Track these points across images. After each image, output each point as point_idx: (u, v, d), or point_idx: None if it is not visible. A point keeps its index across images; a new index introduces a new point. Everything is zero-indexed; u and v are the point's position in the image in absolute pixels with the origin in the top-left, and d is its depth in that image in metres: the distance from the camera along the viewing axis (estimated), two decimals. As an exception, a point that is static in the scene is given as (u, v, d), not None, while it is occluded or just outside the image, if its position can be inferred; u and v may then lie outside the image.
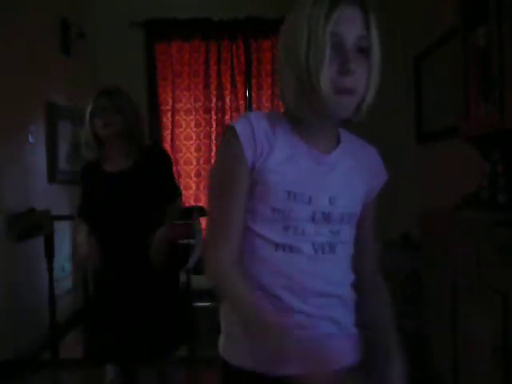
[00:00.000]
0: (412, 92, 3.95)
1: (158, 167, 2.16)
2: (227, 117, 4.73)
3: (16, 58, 3.31)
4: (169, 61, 4.72)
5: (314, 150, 1.03)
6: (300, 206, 0.99)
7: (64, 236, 3.91)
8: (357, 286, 1.10)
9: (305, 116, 1.00)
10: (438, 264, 2.32)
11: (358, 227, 1.09)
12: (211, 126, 4.73)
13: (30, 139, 3.54)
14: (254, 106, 4.75)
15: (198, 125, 4.76)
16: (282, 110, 1.07)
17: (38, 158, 3.67)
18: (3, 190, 3.15)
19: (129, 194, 2.07)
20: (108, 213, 2.09)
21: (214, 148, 4.72)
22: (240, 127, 0.99)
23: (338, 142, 1.08)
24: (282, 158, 1.00)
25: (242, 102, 4.74)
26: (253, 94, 4.74)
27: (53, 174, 3.83)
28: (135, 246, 2.06)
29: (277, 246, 1.00)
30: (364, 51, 0.97)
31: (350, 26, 0.95)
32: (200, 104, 4.74)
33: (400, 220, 4.00)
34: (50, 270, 3.31)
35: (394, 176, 3.78)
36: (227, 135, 1.00)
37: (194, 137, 4.77)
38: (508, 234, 1.71)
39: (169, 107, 4.73)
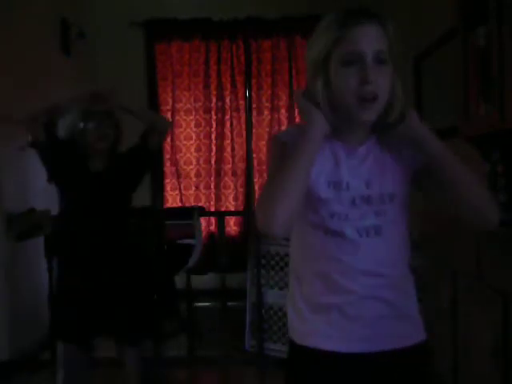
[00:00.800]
0: (412, 92, 3.95)
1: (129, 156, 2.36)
2: (227, 117, 4.73)
3: (16, 57, 3.31)
4: (169, 61, 4.72)
5: (347, 144, 1.14)
6: (340, 193, 1.11)
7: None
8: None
9: (337, 121, 1.11)
10: (437, 264, 2.32)
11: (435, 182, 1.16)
12: (211, 126, 4.73)
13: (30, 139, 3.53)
14: (254, 105, 4.75)
15: (197, 125, 4.76)
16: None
17: (38, 158, 3.67)
18: (3, 190, 3.15)
19: (111, 191, 2.25)
20: (93, 203, 2.23)
21: (213, 148, 4.72)
22: (284, 137, 1.16)
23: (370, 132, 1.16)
24: (321, 154, 1.11)
25: (242, 102, 4.74)
26: (253, 94, 4.74)
27: (53, 174, 3.83)
28: (112, 227, 2.22)
29: (325, 231, 1.12)
30: (383, 62, 1.06)
31: (368, 41, 1.05)
32: (200, 104, 4.74)
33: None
34: (50, 269, 3.30)
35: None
36: (277, 145, 1.16)
37: (194, 137, 4.77)
38: (508, 233, 1.71)
39: (169, 107, 4.73)
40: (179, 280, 3.46)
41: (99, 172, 2.26)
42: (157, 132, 2.37)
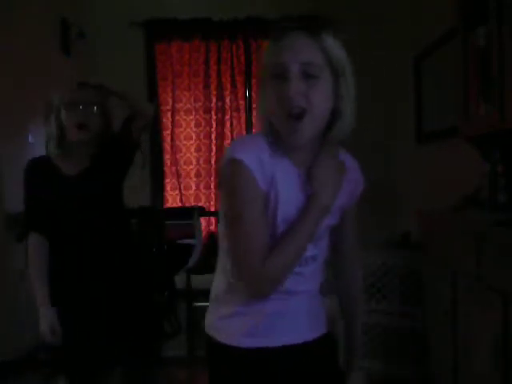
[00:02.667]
0: (412, 92, 3.95)
1: (118, 157, 1.96)
2: (227, 117, 4.73)
3: (16, 57, 3.31)
4: (169, 61, 4.73)
5: (302, 174, 1.10)
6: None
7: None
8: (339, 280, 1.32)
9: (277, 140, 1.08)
10: (437, 264, 2.32)
11: (339, 229, 1.24)
12: (211, 126, 4.73)
13: (30, 139, 3.54)
14: (254, 105, 4.75)
15: (197, 125, 4.76)
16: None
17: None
18: (3, 190, 3.16)
19: (87, 198, 1.86)
20: (74, 225, 1.84)
21: (213, 148, 4.72)
22: (248, 161, 1.02)
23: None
24: (282, 186, 1.07)
25: (241, 102, 4.74)
26: (253, 93, 4.74)
27: (53, 174, 3.83)
28: (107, 259, 1.87)
29: None
30: (312, 76, 1.00)
31: (294, 54, 0.99)
32: (200, 104, 4.74)
33: (400, 220, 4.00)
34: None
35: (395, 176, 3.83)
36: (236, 168, 1.02)
37: (194, 137, 4.77)
38: (508, 233, 1.71)
39: (169, 107, 4.73)
40: (179, 280, 3.46)
41: (73, 176, 1.87)
42: (142, 117, 1.97)
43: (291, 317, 1.18)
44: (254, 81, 4.73)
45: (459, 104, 2.45)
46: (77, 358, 1.88)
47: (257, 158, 1.03)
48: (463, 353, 2.06)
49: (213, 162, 4.72)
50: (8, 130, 3.24)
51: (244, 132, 4.76)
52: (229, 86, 4.72)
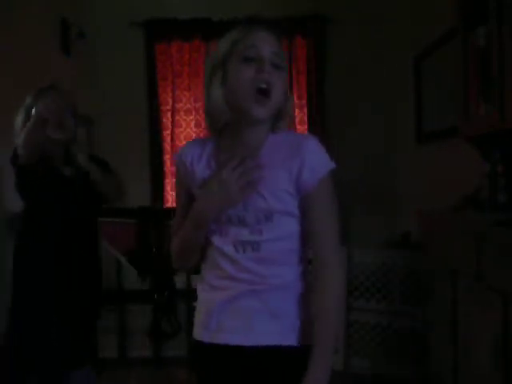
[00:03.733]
0: (412, 92, 3.95)
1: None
2: (227, 117, 4.73)
3: (16, 57, 3.31)
4: (169, 61, 4.72)
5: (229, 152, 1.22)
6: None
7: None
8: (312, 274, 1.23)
9: (229, 119, 1.19)
10: (438, 264, 2.32)
11: (304, 220, 1.19)
12: (211, 126, 4.73)
13: (30, 139, 3.54)
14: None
15: (197, 125, 4.76)
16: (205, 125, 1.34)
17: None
18: (3, 190, 3.15)
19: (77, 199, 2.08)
20: (59, 219, 2.06)
21: (214, 148, 4.73)
22: (177, 157, 1.28)
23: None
24: (203, 175, 1.22)
25: (241, 102, 4.74)
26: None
27: (53, 174, 3.83)
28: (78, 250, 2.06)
29: (212, 245, 1.23)
30: (278, 66, 1.17)
31: (265, 43, 1.17)
32: (200, 104, 4.74)
33: (400, 220, 4.00)
34: (50, 269, 3.30)
35: (395, 176, 3.83)
36: (174, 162, 1.39)
37: (194, 137, 4.76)
38: (508, 233, 1.71)
39: (169, 107, 4.73)
40: (179, 280, 3.46)
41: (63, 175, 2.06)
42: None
43: (241, 311, 1.18)
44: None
45: (459, 104, 2.45)
46: (47, 355, 2.00)
47: (184, 154, 1.26)
48: (463, 353, 2.06)
49: (213, 161, 4.71)
50: (8, 130, 3.24)
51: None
52: (229, 86, 4.71)
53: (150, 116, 4.66)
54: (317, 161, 1.16)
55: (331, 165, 1.17)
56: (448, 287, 2.17)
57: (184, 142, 4.76)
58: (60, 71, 4.02)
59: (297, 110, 4.72)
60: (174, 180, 1.34)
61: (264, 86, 1.13)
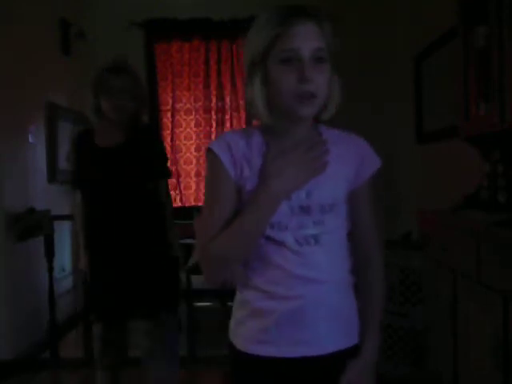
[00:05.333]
0: (412, 92, 3.95)
1: (151, 144, 2.23)
2: (227, 117, 4.73)
3: (16, 58, 3.31)
4: (169, 61, 4.73)
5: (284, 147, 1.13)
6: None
7: (64, 236, 3.91)
8: (357, 269, 1.21)
9: (274, 122, 1.12)
10: (438, 264, 2.32)
11: (352, 213, 1.18)
12: (211, 126, 4.73)
13: (30, 139, 3.54)
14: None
15: (197, 125, 4.76)
16: (247, 119, 1.17)
17: (38, 158, 3.68)
18: (3, 190, 3.16)
19: (126, 169, 2.14)
20: (106, 188, 2.16)
21: (213, 148, 4.73)
22: (219, 150, 1.11)
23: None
24: (259, 168, 1.11)
25: (241, 102, 4.74)
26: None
27: (53, 174, 3.84)
28: (129, 216, 2.17)
29: (267, 240, 1.10)
30: (321, 60, 1.07)
31: (306, 40, 1.06)
32: (200, 104, 4.75)
33: (400, 220, 4.00)
34: (50, 269, 3.31)
35: (395, 176, 3.83)
36: (209, 158, 1.13)
37: (194, 137, 4.77)
38: (508, 233, 1.71)
39: (169, 107, 4.73)
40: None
41: (112, 148, 2.15)
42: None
43: (307, 321, 1.10)
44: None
45: (459, 104, 2.45)
46: (109, 307, 2.24)
47: (227, 147, 1.11)
48: (463, 353, 2.06)
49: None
50: (8, 130, 3.24)
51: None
52: (229, 85, 4.72)
53: (150, 116, 4.66)
54: (371, 157, 1.20)
55: (379, 163, 1.22)
56: (448, 287, 2.17)
57: (184, 142, 4.76)
58: (60, 71, 4.02)
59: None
60: (209, 176, 1.16)
61: (307, 95, 1.06)
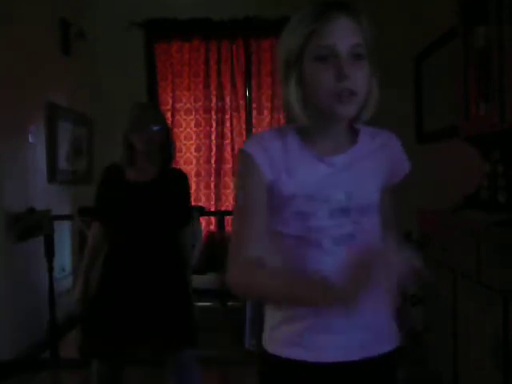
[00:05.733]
0: (412, 92, 3.95)
1: (180, 185, 2.25)
2: (227, 117, 4.73)
3: (16, 58, 3.31)
4: (169, 61, 4.72)
5: (325, 154, 1.08)
6: (319, 206, 1.05)
7: (64, 236, 3.91)
8: None
9: (311, 123, 1.06)
10: (438, 264, 2.32)
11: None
12: (211, 126, 4.73)
13: (30, 139, 3.54)
14: (254, 105, 4.75)
15: (197, 125, 4.76)
16: (284, 119, 1.13)
17: (38, 158, 3.68)
18: (3, 190, 3.16)
19: (152, 204, 2.14)
20: (133, 222, 2.13)
21: (213, 148, 4.72)
22: (255, 151, 1.05)
23: (355, 140, 1.13)
24: (298, 170, 1.06)
25: (242, 102, 4.74)
26: (253, 93, 4.74)
27: (53, 174, 3.84)
28: (150, 249, 2.14)
29: (301, 241, 1.06)
30: (359, 56, 1.02)
31: (343, 36, 1.01)
32: (200, 104, 4.74)
33: (400, 220, 4.00)
34: (50, 269, 3.31)
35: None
36: (243, 159, 1.07)
37: (193, 137, 4.77)
38: (508, 233, 1.71)
39: (169, 107, 4.73)
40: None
41: (144, 183, 2.16)
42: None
43: (339, 322, 1.04)
44: (253, 81, 4.73)
45: (459, 104, 2.45)
46: (113, 344, 2.12)
47: (263, 148, 1.05)
48: (463, 353, 2.06)
49: (213, 161, 4.71)
50: (8, 130, 3.24)
51: (244, 132, 4.76)
52: (229, 85, 4.72)
53: (150, 116, 4.66)
54: (403, 160, 1.21)
55: (409, 168, 1.23)
56: (448, 287, 2.17)
57: (184, 142, 4.76)
58: (60, 71, 4.02)
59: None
60: (243, 180, 1.09)
61: (346, 93, 1.00)
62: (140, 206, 2.13)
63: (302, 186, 1.05)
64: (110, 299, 2.14)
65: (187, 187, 2.30)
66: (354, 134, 1.14)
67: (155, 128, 2.15)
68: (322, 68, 1.00)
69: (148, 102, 2.21)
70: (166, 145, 2.21)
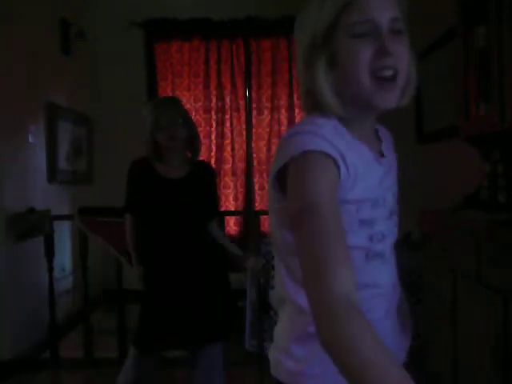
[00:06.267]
0: (412, 92, 3.94)
1: (209, 180, 2.31)
2: (227, 117, 4.73)
3: (16, 58, 3.31)
4: (169, 61, 4.73)
5: (372, 150, 0.96)
6: (380, 211, 0.93)
7: (64, 236, 3.91)
8: None
9: (348, 114, 0.91)
10: (438, 264, 2.32)
11: None
12: (211, 126, 4.73)
13: (30, 139, 3.54)
14: (254, 105, 4.75)
15: (198, 125, 4.75)
16: (305, 110, 0.97)
17: (38, 158, 3.68)
18: (3, 190, 3.16)
19: (189, 200, 2.20)
20: (168, 216, 2.18)
21: (213, 148, 4.73)
22: (331, 150, 0.84)
23: (378, 137, 1.06)
24: (361, 171, 0.89)
25: (241, 102, 4.74)
26: (253, 93, 4.74)
27: (53, 174, 3.84)
28: (188, 245, 2.19)
29: (366, 255, 0.92)
30: (400, 31, 0.91)
31: (383, 9, 0.88)
32: (200, 104, 4.75)
33: (400, 220, 4.00)
34: (50, 269, 3.31)
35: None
36: (318, 161, 0.83)
37: (193, 137, 4.77)
38: (508, 233, 1.71)
39: (169, 107, 4.73)
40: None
41: (174, 179, 2.21)
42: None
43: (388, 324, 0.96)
44: (253, 81, 4.73)
45: (459, 104, 2.45)
46: (154, 338, 2.17)
47: (331, 144, 0.85)
48: (463, 353, 2.06)
49: (213, 161, 4.72)
50: (8, 130, 3.24)
51: (244, 132, 4.76)
52: (229, 85, 4.72)
53: (150, 116, 4.66)
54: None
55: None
56: (448, 287, 2.17)
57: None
58: (60, 71, 4.02)
59: (297, 110, 4.72)
60: (313, 186, 0.82)
61: (388, 73, 0.87)
62: (178, 203, 2.18)
63: (368, 189, 0.90)
64: (160, 296, 2.19)
65: (215, 180, 2.37)
66: (374, 129, 1.05)
67: (177, 125, 2.17)
68: (360, 45, 0.86)
69: (169, 97, 2.20)
70: (190, 139, 2.24)
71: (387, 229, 0.95)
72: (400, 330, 1.01)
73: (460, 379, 2.10)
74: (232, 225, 4.70)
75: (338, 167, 0.84)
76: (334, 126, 0.90)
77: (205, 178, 2.28)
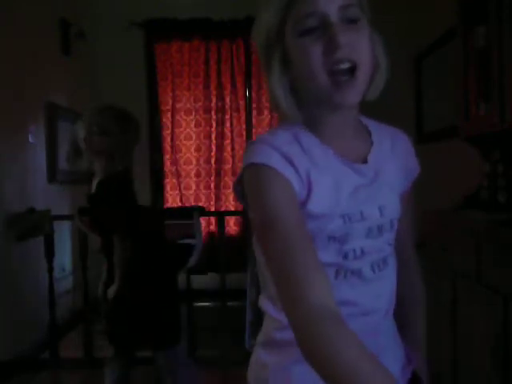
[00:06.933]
0: (412, 92, 3.95)
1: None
2: (227, 117, 4.73)
3: (16, 57, 3.31)
4: (169, 61, 4.73)
5: (347, 156, 0.87)
6: (355, 227, 0.85)
7: (64, 236, 3.91)
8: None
9: (311, 114, 0.86)
10: (438, 264, 2.32)
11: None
12: (211, 126, 4.73)
13: (30, 139, 3.54)
14: (254, 105, 4.75)
15: (197, 125, 4.76)
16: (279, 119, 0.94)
17: (38, 158, 3.68)
18: (3, 190, 3.15)
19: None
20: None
21: (213, 148, 4.73)
22: (277, 163, 0.80)
23: (368, 139, 0.95)
24: (327, 181, 0.84)
25: (241, 102, 4.74)
26: (253, 93, 4.74)
27: (53, 174, 3.84)
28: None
29: (337, 272, 0.86)
30: (355, 19, 0.81)
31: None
32: (200, 104, 4.75)
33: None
34: (50, 269, 3.30)
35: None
36: (263, 175, 0.79)
37: (193, 137, 4.77)
38: (508, 233, 1.71)
39: (169, 107, 4.73)
40: (179, 280, 3.46)
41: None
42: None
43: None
44: (253, 81, 4.73)
45: (459, 104, 2.45)
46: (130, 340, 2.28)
47: (284, 156, 0.80)
48: (463, 353, 2.06)
49: (213, 161, 4.72)
50: (8, 130, 3.24)
51: (244, 132, 4.76)
52: (229, 85, 4.72)
53: (150, 116, 4.66)
54: (414, 160, 1.00)
55: (418, 169, 1.01)
56: (448, 287, 2.17)
57: (184, 142, 4.76)
58: (60, 71, 4.02)
59: (297, 110, 4.71)
60: (274, 207, 0.78)
61: (343, 66, 0.79)
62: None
63: (334, 200, 0.83)
64: (132, 296, 2.26)
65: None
66: (364, 130, 0.96)
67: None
68: (310, 42, 0.79)
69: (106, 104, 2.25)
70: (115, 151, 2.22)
71: (371, 246, 0.87)
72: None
73: (460, 379, 2.10)
74: (232, 225, 4.70)
75: (289, 178, 0.80)
76: (294, 134, 0.85)
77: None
